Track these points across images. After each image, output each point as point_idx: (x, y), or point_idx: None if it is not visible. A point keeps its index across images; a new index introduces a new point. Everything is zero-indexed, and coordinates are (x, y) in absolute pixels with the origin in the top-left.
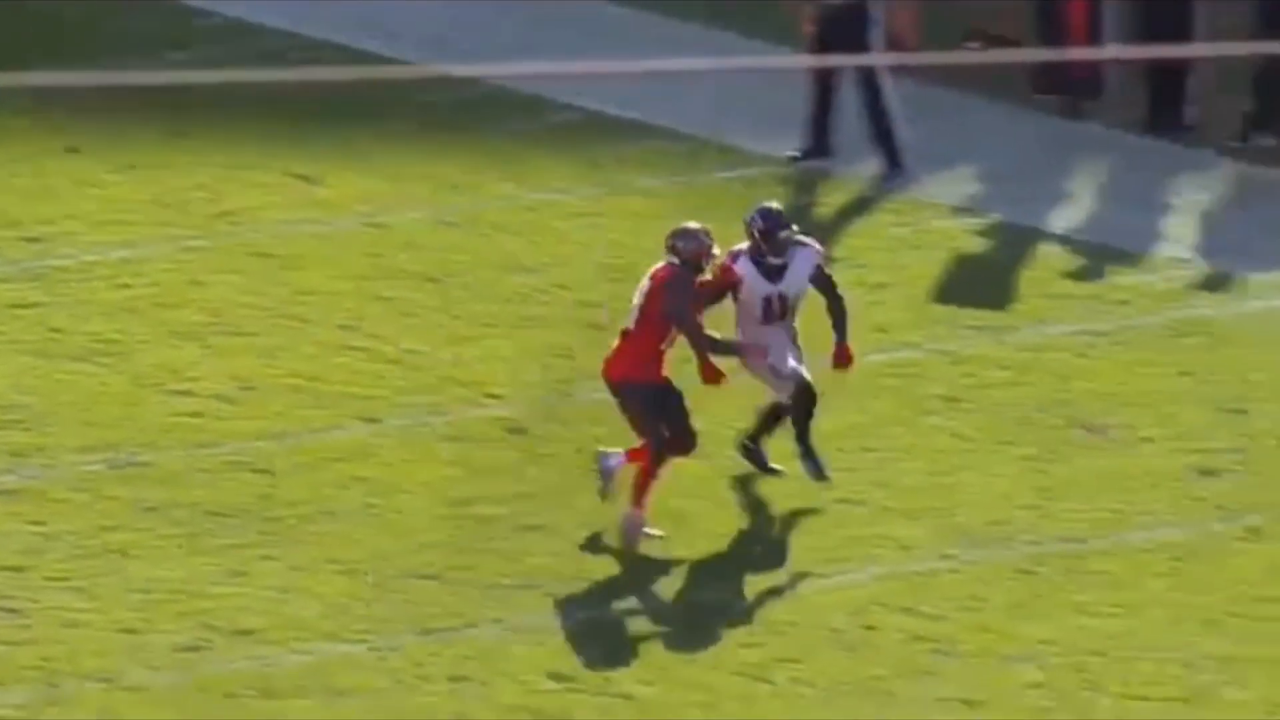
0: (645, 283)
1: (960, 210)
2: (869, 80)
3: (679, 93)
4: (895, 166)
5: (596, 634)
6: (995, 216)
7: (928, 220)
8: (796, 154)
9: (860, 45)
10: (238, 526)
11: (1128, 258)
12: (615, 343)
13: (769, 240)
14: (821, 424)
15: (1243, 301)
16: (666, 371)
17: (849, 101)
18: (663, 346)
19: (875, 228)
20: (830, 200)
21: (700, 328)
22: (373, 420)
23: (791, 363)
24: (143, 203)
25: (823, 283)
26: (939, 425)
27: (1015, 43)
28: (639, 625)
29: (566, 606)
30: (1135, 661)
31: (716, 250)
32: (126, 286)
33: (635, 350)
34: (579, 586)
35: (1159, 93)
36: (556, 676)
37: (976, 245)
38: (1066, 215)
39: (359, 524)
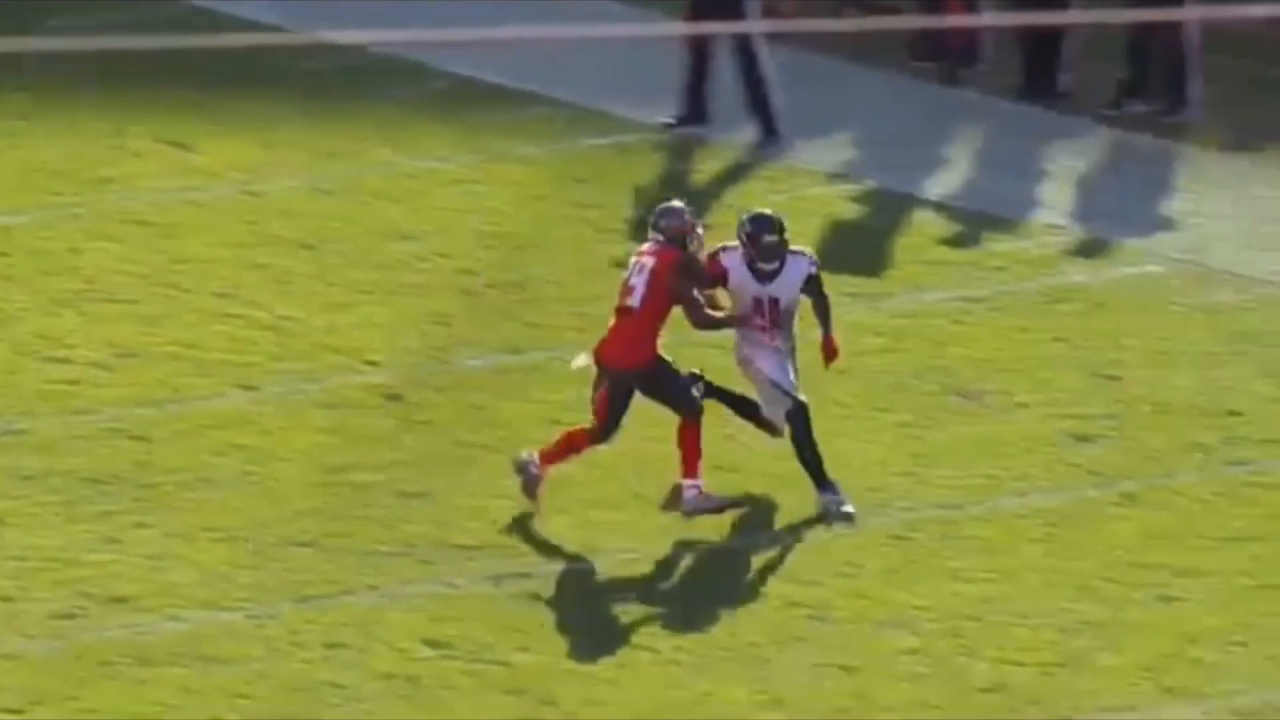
0: (646, 261)
1: (836, 177)
2: (745, 47)
3: (559, 61)
4: (771, 133)
5: (473, 601)
6: (871, 183)
7: (804, 187)
8: (672, 120)
9: (736, 13)
10: (114, 494)
11: (1003, 224)
12: (611, 322)
13: (755, 245)
14: None
15: (1117, 267)
16: (660, 350)
17: (725, 68)
18: (659, 325)
19: (751, 194)
20: (706, 167)
21: (701, 307)
22: (250, 388)
23: (792, 379)
24: (19, 170)
25: (814, 290)
26: (815, 391)
27: (893, 10)
28: (515, 592)
29: (443, 574)
30: (1010, 627)
31: (700, 229)
32: (4, 254)
33: (634, 331)
34: (456, 554)
35: (1034, 60)
36: (432, 644)
37: (852, 212)
38: (942, 182)
39: (236, 491)
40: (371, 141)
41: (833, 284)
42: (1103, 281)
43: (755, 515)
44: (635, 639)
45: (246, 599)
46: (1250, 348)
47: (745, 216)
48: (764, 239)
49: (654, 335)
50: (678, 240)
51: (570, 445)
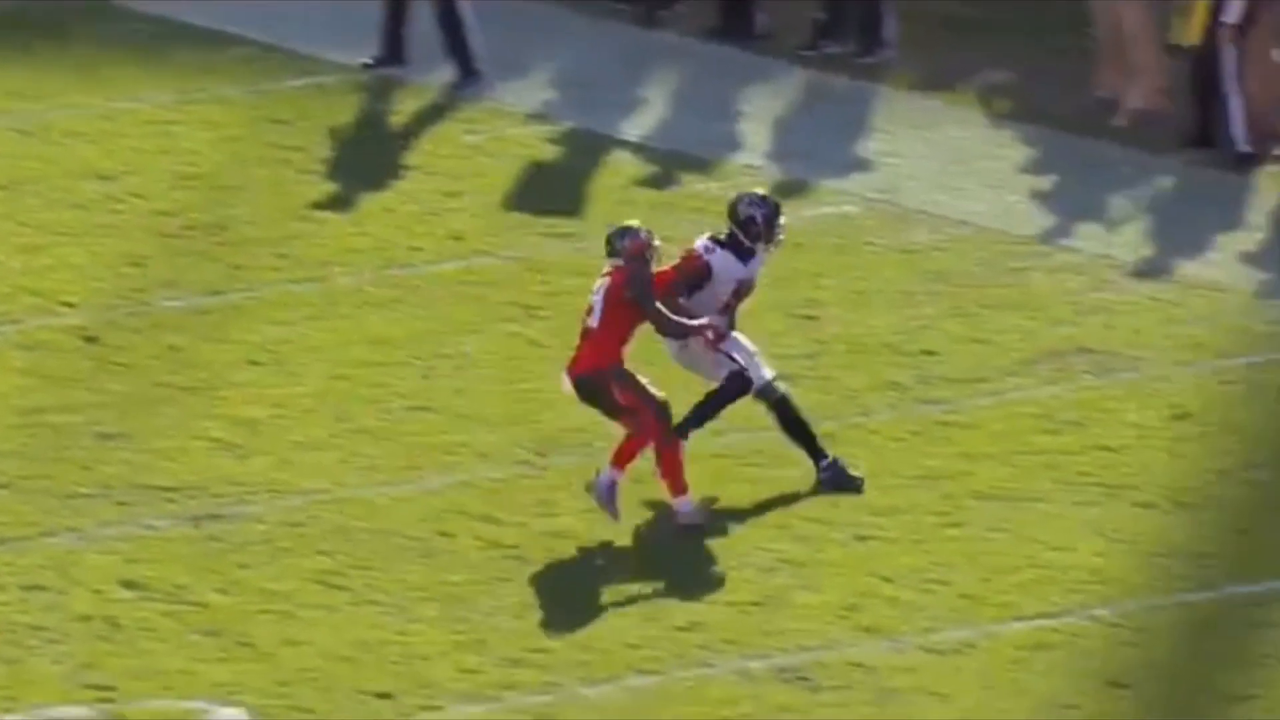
0: (604, 281)
1: (535, 118)
2: None
3: (257, 2)
4: (469, 74)
5: (171, 543)
6: (569, 124)
7: (502, 128)
8: (371, 61)
9: None
10: None
11: (700, 165)
12: (577, 343)
13: (770, 227)
14: (392, 331)
15: (814, 207)
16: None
17: (424, 9)
18: (626, 341)
19: (449, 135)
20: (405, 108)
21: (667, 316)
22: None
23: (741, 359)
24: None
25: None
26: (515, 332)
27: None
28: (215, 534)
29: (141, 515)
30: (709, 566)
31: (656, 241)
32: None
33: (595, 345)
34: (154, 495)
35: (731, 1)
36: (130, 585)
37: (550, 152)
38: (640, 123)
39: None
40: (66, 81)
41: (532, 225)
42: (799, 222)
43: (452, 455)
44: (333, 580)
45: None
46: (944, 287)
47: (745, 199)
48: (781, 220)
49: (614, 347)
50: (636, 259)
51: (631, 451)
